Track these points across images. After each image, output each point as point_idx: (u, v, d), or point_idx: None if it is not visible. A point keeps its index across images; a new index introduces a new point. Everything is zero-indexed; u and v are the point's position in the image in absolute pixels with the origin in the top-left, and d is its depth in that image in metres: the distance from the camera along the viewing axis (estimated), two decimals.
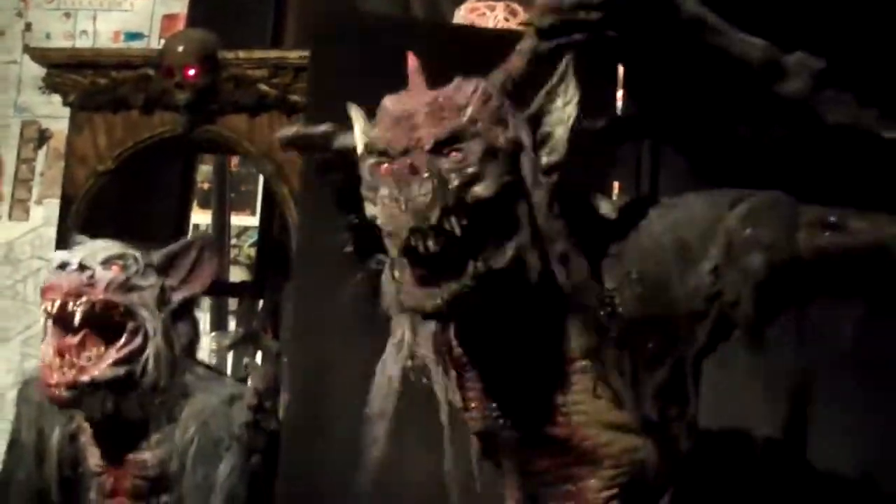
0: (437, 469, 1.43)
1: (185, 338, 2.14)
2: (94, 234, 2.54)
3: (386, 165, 1.19)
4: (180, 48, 2.44)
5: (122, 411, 2.05)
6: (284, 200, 2.41)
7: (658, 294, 1.25)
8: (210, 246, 2.25)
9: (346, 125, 1.34)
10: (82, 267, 2.02)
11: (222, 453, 2.10)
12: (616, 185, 1.94)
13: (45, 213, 4.14)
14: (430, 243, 1.15)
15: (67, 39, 4.15)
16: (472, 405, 1.34)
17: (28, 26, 4.24)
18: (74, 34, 4.16)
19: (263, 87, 2.43)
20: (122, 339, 2.05)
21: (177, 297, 2.15)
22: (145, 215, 2.77)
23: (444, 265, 1.18)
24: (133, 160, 2.56)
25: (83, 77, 2.54)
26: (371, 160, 1.21)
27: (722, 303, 1.25)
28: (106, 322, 2.04)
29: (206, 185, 3.80)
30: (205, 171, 3.72)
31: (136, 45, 4.05)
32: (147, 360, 2.06)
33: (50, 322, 2.01)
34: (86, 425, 2.17)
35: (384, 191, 1.16)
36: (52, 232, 4.14)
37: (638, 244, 1.28)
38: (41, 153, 4.17)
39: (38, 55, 2.69)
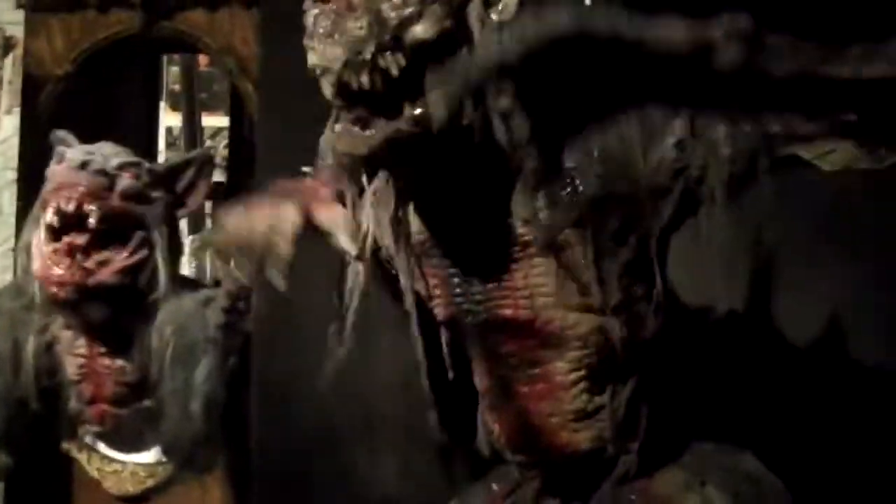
0: (408, 367, 1.42)
1: None
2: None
3: (324, 6, 1.14)
4: None
5: (118, 319, 2.05)
6: (249, 97, 2.35)
7: (621, 171, 1.22)
8: (209, 162, 2.24)
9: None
10: (102, 171, 2.00)
11: (199, 356, 2.10)
12: None
13: (15, 123, 4.06)
14: (364, 79, 1.11)
15: None
16: (437, 292, 1.31)
17: None
18: None
19: None
20: (130, 248, 2.03)
21: (180, 213, 2.15)
22: (112, 120, 2.71)
23: (380, 107, 1.14)
24: (92, 62, 2.49)
25: None
26: (314, 9, 1.16)
27: (687, 177, 1.21)
28: (115, 229, 2.02)
29: (176, 87, 3.73)
30: (174, 72, 3.65)
31: None
32: (151, 271, 2.05)
33: (55, 218, 1.97)
34: (61, 334, 2.16)
35: (320, 30, 1.12)
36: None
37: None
38: (7, 62, 4.06)
39: None
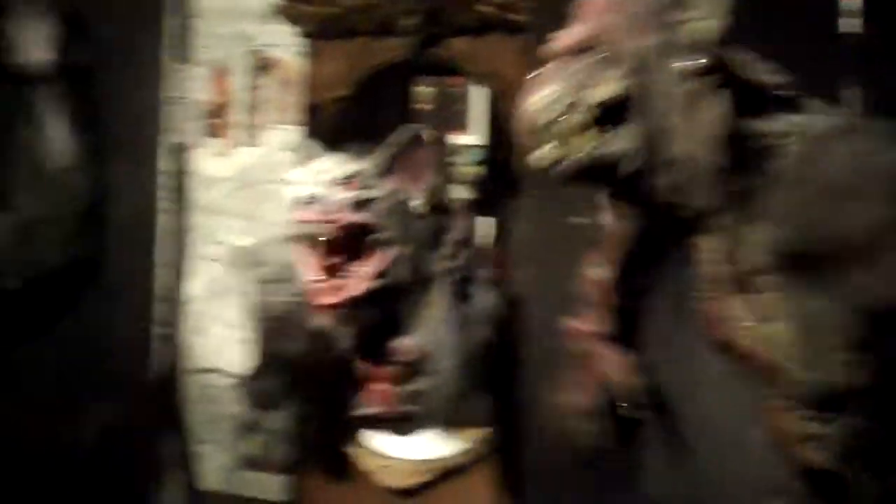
0: None
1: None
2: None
3: None
4: None
5: (385, 314, 2.23)
6: (508, 120, 2.50)
7: None
8: (420, 135, 2.45)
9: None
10: (329, 194, 2.20)
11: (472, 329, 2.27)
12: None
13: (274, 139, 4.38)
14: None
15: None
16: None
17: None
18: None
19: (484, 7, 2.51)
20: (374, 254, 2.23)
21: (412, 198, 2.31)
22: (372, 138, 2.92)
23: None
24: (365, 85, 2.70)
25: (316, 7, 2.68)
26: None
27: None
28: (355, 241, 2.22)
29: (425, 107, 3.92)
30: (423, 92, 3.84)
31: None
32: (397, 266, 2.23)
33: (307, 246, 2.20)
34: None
35: None
36: (282, 156, 4.39)
37: None
38: (267, 81, 4.39)
39: None
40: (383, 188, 2.32)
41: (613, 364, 1.58)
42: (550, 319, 1.91)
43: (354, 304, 2.25)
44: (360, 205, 2.27)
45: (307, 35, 2.73)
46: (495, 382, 2.28)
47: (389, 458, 2.35)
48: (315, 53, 2.73)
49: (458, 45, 2.57)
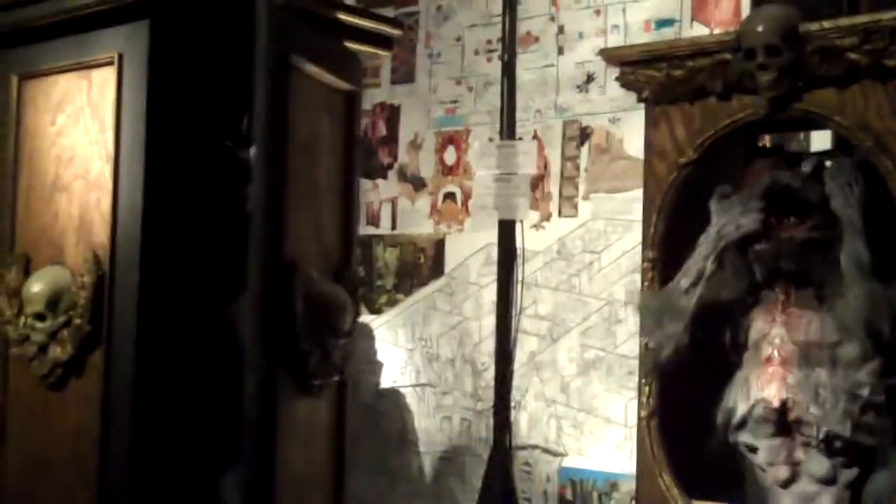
0: None
1: None
2: (674, 225, 2.57)
3: None
4: (760, 28, 2.36)
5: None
6: (888, 173, 2.25)
7: None
8: None
9: None
10: None
11: None
12: None
13: (592, 208, 4.30)
14: None
15: (599, 36, 4.26)
16: None
17: (560, 29, 4.41)
18: (606, 30, 4.26)
19: (853, 55, 2.27)
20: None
21: None
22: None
23: None
24: (712, 148, 2.53)
25: (658, 71, 2.54)
26: None
27: None
28: None
29: None
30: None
31: (667, 31, 4.05)
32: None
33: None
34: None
35: None
36: (599, 226, 4.30)
37: None
38: (583, 150, 4.33)
39: (610, 55, 2.74)
40: None
41: None
42: None
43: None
44: None
45: (647, 100, 2.57)
46: None
47: None
48: (656, 119, 2.57)
49: (821, 97, 2.33)
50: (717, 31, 3.83)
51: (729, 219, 2.46)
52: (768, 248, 2.42)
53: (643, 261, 2.60)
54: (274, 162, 1.61)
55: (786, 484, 2.38)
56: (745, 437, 2.45)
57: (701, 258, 2.48)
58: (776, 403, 2.37)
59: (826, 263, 2.37)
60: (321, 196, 3.02)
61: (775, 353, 2.41)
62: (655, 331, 2.49)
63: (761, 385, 2.41)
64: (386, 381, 4.81)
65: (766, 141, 3.18)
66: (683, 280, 2.49)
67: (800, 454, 2.36)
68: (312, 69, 2.86)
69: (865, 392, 2.30)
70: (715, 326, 2.53)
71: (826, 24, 2.31)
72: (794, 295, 2.44)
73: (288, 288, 2.70)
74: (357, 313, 3.10)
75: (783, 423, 2.38)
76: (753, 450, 2.44)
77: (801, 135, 3.24)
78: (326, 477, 3.06)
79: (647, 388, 2.56)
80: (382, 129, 4.96)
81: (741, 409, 2.43)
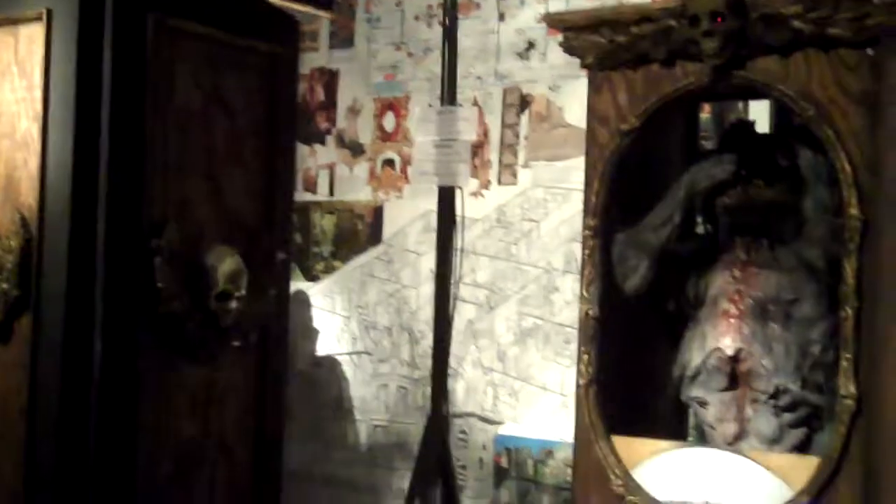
0: None
1: None
2: (616, 193, 2.56)
3: None
4: None
5: None
6: (829, 143, 2.26)
7: None
8: None
9: None
10: None
11: None
12: None
13: (531, 176, 4.28)
14: None
15: (540, 3, 4.20)
16: None
17: None
18: None
19: (797, 23, 2.27)
20: None
21: None
22: (657, 171, 2.73)
23: None
24: (655, 116, 2.51)
25: (601, 36, 2.51)
26: None
27: None
28: None
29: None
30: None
31: None
32: None
33: None
34: None
35: None
36: (538, 194, 4.28)
37: None
38: (523, 118, 4.30)
39: (554, 20, 2.71)
40: None
41: None
42: None
43: None
44: None
45: (590, 66, 2.54)
46: None
47: None
48: (599, 85, 2.54)
49: (764, 66, 2.33)
50: None
51: (701, 170, 2.55)
52: (736, 200, 2.51)
53: (584, 228, 2.58)
54: (124, 122, 1.56)
55: (733, 441, 2.41)
56: (697, 391, 2.49)
57: (672, 202, 2.55)
58: (730, 352, 2.43)
59: (788, 227, 2.46)
60: (226, 159, 2.96)
61: (732, 307, 2.47)
62: (618, 265, 2.57)
63: (717, 336, 2.47)
64: (322, 349, 4.76)
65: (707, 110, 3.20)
66: (653, 218, 2.56)
67: (749, 411, 2.40)
68: (202, 29, 2.82)
69: (817, 350, 2.36)
70: (669, 283, 2.61)
71: None
72: (755, 254, 2.51)
73: (148, 248, 2.65)
74: (276, 278, 3.06)
75: (735, 375, 2.43)
76: (704, 404, 2.47)
77: (741, 104, 3.22)
78: (241, 443, 3.03)
79: (585, 357, 2.55)
80: (321, 95, 4.88)
81: (696, 360, 2.49)
